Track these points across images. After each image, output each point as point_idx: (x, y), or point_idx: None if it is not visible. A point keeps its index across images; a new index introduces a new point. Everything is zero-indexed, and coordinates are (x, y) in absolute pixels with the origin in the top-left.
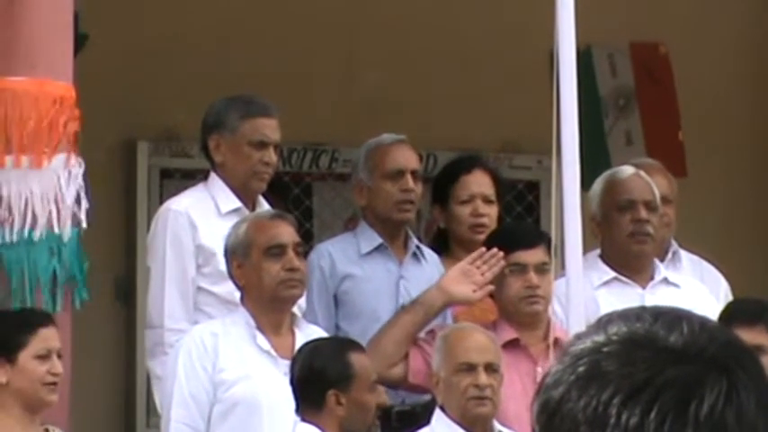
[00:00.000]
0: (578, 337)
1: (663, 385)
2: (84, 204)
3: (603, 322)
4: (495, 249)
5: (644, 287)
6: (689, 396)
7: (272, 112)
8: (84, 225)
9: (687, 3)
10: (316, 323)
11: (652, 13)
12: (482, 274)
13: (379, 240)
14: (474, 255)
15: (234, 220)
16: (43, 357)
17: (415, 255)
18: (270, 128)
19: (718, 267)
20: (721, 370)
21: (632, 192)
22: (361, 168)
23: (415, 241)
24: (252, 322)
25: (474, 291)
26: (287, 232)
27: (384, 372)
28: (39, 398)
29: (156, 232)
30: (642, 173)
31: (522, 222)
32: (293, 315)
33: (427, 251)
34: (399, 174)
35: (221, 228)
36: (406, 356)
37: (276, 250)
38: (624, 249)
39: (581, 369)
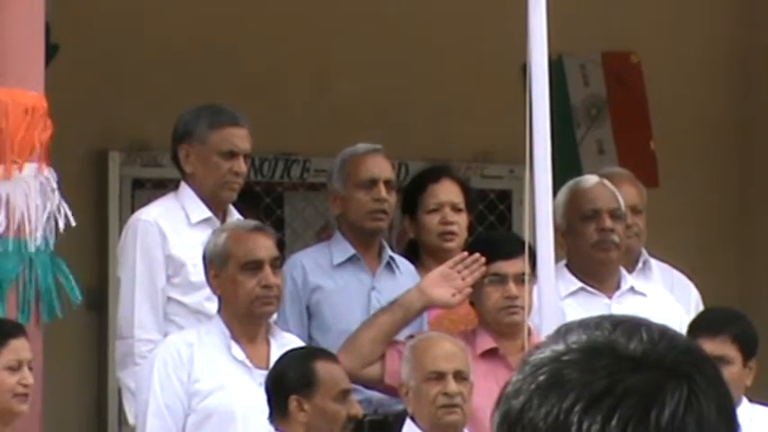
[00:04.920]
0: (538, 346)
1: (623, 393)
2: (57, 214)
3: (563, 331)
4: (476, 255)
5: (610, 297)
6: (650, 403)
7: (241, 121)
8: (62, 231)
9: (659, 12)
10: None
11: (624, 23)
12: (462, 279)
13: (352, 251)
14: (456, 259)
15: (204, 229)
16: (14, 369)
17: (389, 266)
18: (239, 137)
19: (689, 276)
20: (681, 377)
21: (596, 201)
22: (335, 178)
23: (389, 252)
24: (227, 332)
25: (453, 295)
26: (265, 246)
27: (359, 371)
28: (9, 409)
29: (125, 243)
30: (606, 181)
31: (502, 232)
32: (269, 324)
33: (402, 262)
34: (372, 183)
35: (191, 238)
36: (383, 357)
37: (253, 265)
38: (590, 258)
39: (541, 378)
